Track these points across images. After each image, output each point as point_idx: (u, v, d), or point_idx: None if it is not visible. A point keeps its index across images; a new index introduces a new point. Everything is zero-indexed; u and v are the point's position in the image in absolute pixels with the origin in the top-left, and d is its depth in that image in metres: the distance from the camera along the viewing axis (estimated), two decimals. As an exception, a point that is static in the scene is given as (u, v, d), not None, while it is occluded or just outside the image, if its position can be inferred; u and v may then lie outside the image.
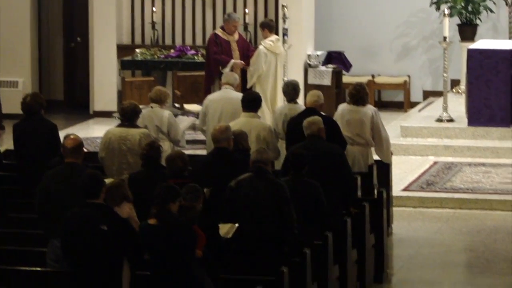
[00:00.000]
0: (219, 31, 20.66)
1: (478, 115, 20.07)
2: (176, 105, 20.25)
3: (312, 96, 15.41)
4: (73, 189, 11.26)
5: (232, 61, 19.52)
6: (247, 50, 20.23)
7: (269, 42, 19.92)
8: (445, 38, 20.59)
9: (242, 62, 19.60)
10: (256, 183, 12.32)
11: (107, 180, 11.51)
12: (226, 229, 11.73)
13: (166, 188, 10.61)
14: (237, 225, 11.91)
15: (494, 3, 22.54)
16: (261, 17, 21.68)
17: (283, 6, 21.54)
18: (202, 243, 11.00)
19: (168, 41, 22.47)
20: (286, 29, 21.08)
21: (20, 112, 14.98)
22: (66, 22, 23.61)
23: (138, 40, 22.59)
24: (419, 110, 22.07)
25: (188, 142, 16.11)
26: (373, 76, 22.67)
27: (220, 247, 11.59)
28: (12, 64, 22.26)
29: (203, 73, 20.59)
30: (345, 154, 14.37)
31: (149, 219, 10.47)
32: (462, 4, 22.35)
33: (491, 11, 22.64)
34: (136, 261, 10.75)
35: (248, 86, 18.50)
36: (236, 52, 20.08)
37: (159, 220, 10.40)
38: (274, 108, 18.15)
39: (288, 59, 20.56)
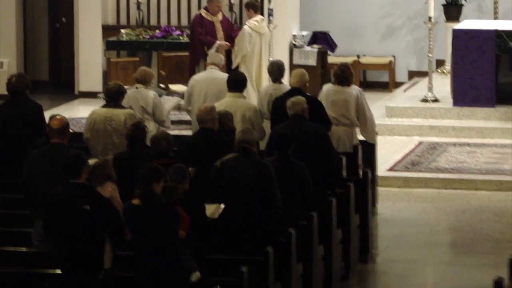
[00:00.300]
0: (203, 12, 20.65)
1: (463, 95, 20.10)
2: (161, 85, 20.24)
3: (297, 76, 15.38)
4: (58, 170, 11.26)
5: (218, 42, 19.52)
6: (231, 30, 20.26)
7: (254, 22, 19.94)
8: (430, 18, 20.63)
9: (227, 43, 19.61)
10: (241, 163, 12.33)
11: (92, 161, 11.55)
12: (212, 210, 11.71)
13: (150, 168, 10.64)
14: (223, 205, 11.91)
15: (479, -17, 22.54)
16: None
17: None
18: (185, 224, 11.03)
19: (153, 22, 22.47)
20: (271, 9, 21.08)
21: (5, 93, 14.97)
22: (51, 2, 23.53)
23: (123, 20, 22.58)
24: (404, 90, 22.12)
25: (173, 122, 16.13)
26: (358, 57, 22.71)
27: (206, 227, 11.62)
28: (-2, 46, 22.22)
29: (188, 53, 20.58)
30: (329, 135, 14.40)
31: (133, 200, 10.53)
32: (448, -16, 22.41)
33: (476, -7, 22.66)
34: (118, 241, 10.77)
35: (233, 66, 18.51)
36: (220, 33, 20.08)
37: (142, 200, 10.44)
38: (259, 88, 18.16)
39: (273, 39, 20.56)
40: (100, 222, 10.68)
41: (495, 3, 22.60)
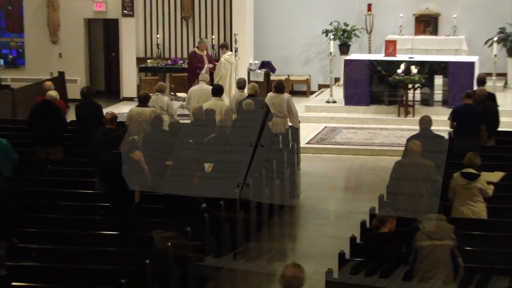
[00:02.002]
0: (195, 49, 20.52)
1: (350, 98, 20.14)
2: (172, 93, 20.19)
3: (251, 88, 15.54)
4: (108, 144, 11.31)
5: (206, 66, 19.47)
6: (212, 61, 20.18)
7: (226, 56, 19.84)
8: (331, 52, 20.63)
9: (211, 65, 19.55)
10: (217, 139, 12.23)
11: (128, 139, 11.62)
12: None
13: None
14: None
15: (360, 32, 22.49)
16: (221, 40, 21.54)
17: (234, 34, 21.51)
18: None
19: (166, 55, 22.32)
20: (237, 48, 21.06)
21: (79, 97, 15.18)
22: (105, 42, 23.40)
23: (148, 54, 22.45)
24: (316, 96, 22.10)
25: (179, 115, 16.17)
26: (288, 76, 22.59)
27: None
28: (74, 69, 22.07)
29: (187, 74, 20.54)
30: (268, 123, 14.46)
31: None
32: (341, 32, 22.32)
33: (358, 36, 22.64)
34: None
35: (215, 82, 18.42)
36: (206, 62, 19.99)
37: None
38: (230, 94, 18.12)
39: (238, 66, 20.55)
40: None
41: (369, 43, 22.60)
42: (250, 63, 22.09)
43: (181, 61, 21.56)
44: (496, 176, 10.70)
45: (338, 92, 20.76)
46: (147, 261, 9.16)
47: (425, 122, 12.24)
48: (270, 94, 15.66)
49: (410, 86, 19.11)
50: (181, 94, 20.38)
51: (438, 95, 20.06)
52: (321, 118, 19.75)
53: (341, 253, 9.30)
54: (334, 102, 20.45)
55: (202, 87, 16.30)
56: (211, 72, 19.21)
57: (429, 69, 19.66)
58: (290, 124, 15.58)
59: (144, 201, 11.03)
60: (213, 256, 10.43)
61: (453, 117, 14.10)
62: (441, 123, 15.18)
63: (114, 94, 22.62)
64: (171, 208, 10.98)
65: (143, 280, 9.08)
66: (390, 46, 20.46)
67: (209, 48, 21.41)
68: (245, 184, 11.66)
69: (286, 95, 15.73)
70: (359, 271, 8.82)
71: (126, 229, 10.45)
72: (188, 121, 14.90)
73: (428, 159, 10.58)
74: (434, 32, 22.50)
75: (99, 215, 10.95)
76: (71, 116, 15.66)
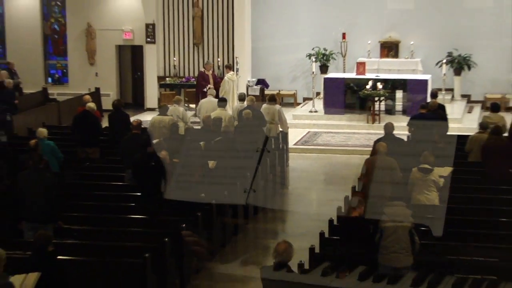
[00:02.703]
0: (203, 69, 20.56)
1: (329, 109, 20.07)
2: (186, 105, 20.11)
3: (249, 100, 15.55)
4: (137, 145, 11.26)
5: (209, 85, 19.38)
6: (216, 79, 20.19)
7: (229, 75, 19.80)
8: (313, 72, 20.65)
9: (212, 86, 19.33)
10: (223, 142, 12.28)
11: (155, 141, 11.65)
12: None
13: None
14: None
15: (336, 55, 22.46)
16: (225, 62, 21.49)
17: (236, 57, 21.49)
18: None
19: (181, 74, 22.22)
20: (238, 68, 21.04)
21: (111, 108, 14.95)
22: (133, 63, 23.25)
23: (167, 73, 22.28)
24: (301, 107, 21.97)
25: (191, 123, 16.05)
26: (279, 90, 22.43)
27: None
28: (107, 85, 22.06)
29: (196, 89, 20.57)
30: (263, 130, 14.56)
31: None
32: (321, 56, 22.29)
33: (335, 59, 22.59)
34: (165, 179, 10.74)
35: (220, 96, 18.36)
36: (211, 80, 19.99)
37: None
38: (232, 106, 18.10)
39: (239, 82, 20.54)
40: (158, 170, 10.72)
41: (344, 64, 22.55)
42: (248, 80, 22.03)
43: (193, 79, 21.48)
44: (446, 170, 10.72)
45: (319, 104, 20.67)
46: (166, 239, 9.20)
47: (389, 128, 12.27)
48: (264, 105, 15.59)
49: (376, 99, 19.11)
50: (193, 105, 20.31)
51: (399, 106, 20.01)
52: (306, 124, 19.64)
53: (321, 233, 9.37)
54: (316, 111, 20.36)
55: (210, 100, 16.21)
56: (217, 88, 19.15)
57: (391, 85, 19.62)
58: (280, 129, 15.54)
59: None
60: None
61: (410, 122, 14.26)
62: (402, 129, 15.19)
63: (139, 105, 22.52)
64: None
65: (163, 255, 9.14)
66: (360, 67, 20.47)
67: (215, 68, 21.45)
68: (251, 190, 11.80)
69: (277, 106, 15.72)
70: (336, 247, 8.96)
71: (153, 213, 10.49)
72: (199, 127, 14.91)
73: (391, 157, 10.70)
74: (396, 55, 22.47)
75: (128, 202, 10.96)
76: (105, 123, 15.65)
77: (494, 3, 21.66)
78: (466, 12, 21.74)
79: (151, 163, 10.62)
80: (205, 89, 19.08)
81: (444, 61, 20.85)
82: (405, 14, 22.23)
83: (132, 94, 23.29)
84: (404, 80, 19.85)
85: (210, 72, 20.38)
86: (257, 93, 21.49)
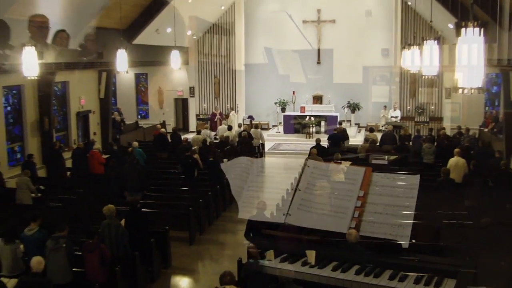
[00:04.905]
0: (214, 110, 20.34)
1: (287, 130, 19.89)
2: (210, 129, 19.82)
3: (244, 126, 15.30)
4: (184, 151, 11.10)
5: (223, 120, 18.88)
6: (222, 116, 19.90)
7: (233, 113, 19.69)
8: (277, 111, 20.46)
9: (225, 121, 18.83)
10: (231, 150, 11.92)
11: (192, 148, 11.39)
12: None
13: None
14: None
15: (289, 103, 22.02)
16: (231, 105, 21.11)
17: (236, 104, 21.29)
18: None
19: (208, 113, 21.84)
20: (238, 109, 20.90)
21: (171, 131, 14.66)
22: (182, 108, 22.61)
23: (201, 112, 21.95)
24: (271, 130, 21.60)
25: (215, 139, 15.73)
26: (259, 121, 21.83)
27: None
28: (169, 119, 21.63)
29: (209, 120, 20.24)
30: (252, 143, 14.08)
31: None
32: (282, 103, 21.87)
33: (289, 105, 22.02)
34: (198, 168, 10.57)
35: (228, 124, 18.08)
36: (217, 117, 19.73)
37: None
38: (234, 129, 17.67)
39: (237, 117, 20.37)
40: (193, 163, 10.56)
41: (294, 107, 22.04)
42: (244, 116, 21.87)
43: (212, 116, 21.28)
44: (346, 164, 10.59)
45: (281, 128, 20.53)
46: (201, 200, 9.11)
47: (318, 140, 12.31)
48: (252, 129, 15.50)
49: (311, 125, 19.11)
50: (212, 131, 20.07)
51: (322, 129, 20.04)
52: (274, 139, 19.40)
53: (282, 196, 9.26)
54: (279, 132, 20.23)
55: (223, 126, 16.11)
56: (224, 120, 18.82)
57: (319, 119, 19.62)
58: (261, 142, 15.43)
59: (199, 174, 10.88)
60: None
61: (328, 138, 14.23)
62: (324, 141, 15.11)
63: (186, 129, 22.19)
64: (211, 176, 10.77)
65: (199, 208, 9.02)
66: (302, 109, 20.44)
67: (226, 109, 21.21)
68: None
69: (259, 130, 15.65)
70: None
71: (192, 186, 10.35)
72: (217, 141, 14.76)
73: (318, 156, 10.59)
74: (320, 102, 22.43)
75: (179, 181, 10.76)
76: (169, 139, 15.43)
77: (372, 75, 21.68)
78: (358, 78, 21.64)
79: (190, 160, 10.51)
80: (215, 120, 18.88)
81: (346, 105, 20.91)
82: (325, 81, 22.24)
83: (183, 123, 22.99)
84: (325, 116, 19.84)
85: (218, 112, 20.17)
86: (248, 123, 21.33)
